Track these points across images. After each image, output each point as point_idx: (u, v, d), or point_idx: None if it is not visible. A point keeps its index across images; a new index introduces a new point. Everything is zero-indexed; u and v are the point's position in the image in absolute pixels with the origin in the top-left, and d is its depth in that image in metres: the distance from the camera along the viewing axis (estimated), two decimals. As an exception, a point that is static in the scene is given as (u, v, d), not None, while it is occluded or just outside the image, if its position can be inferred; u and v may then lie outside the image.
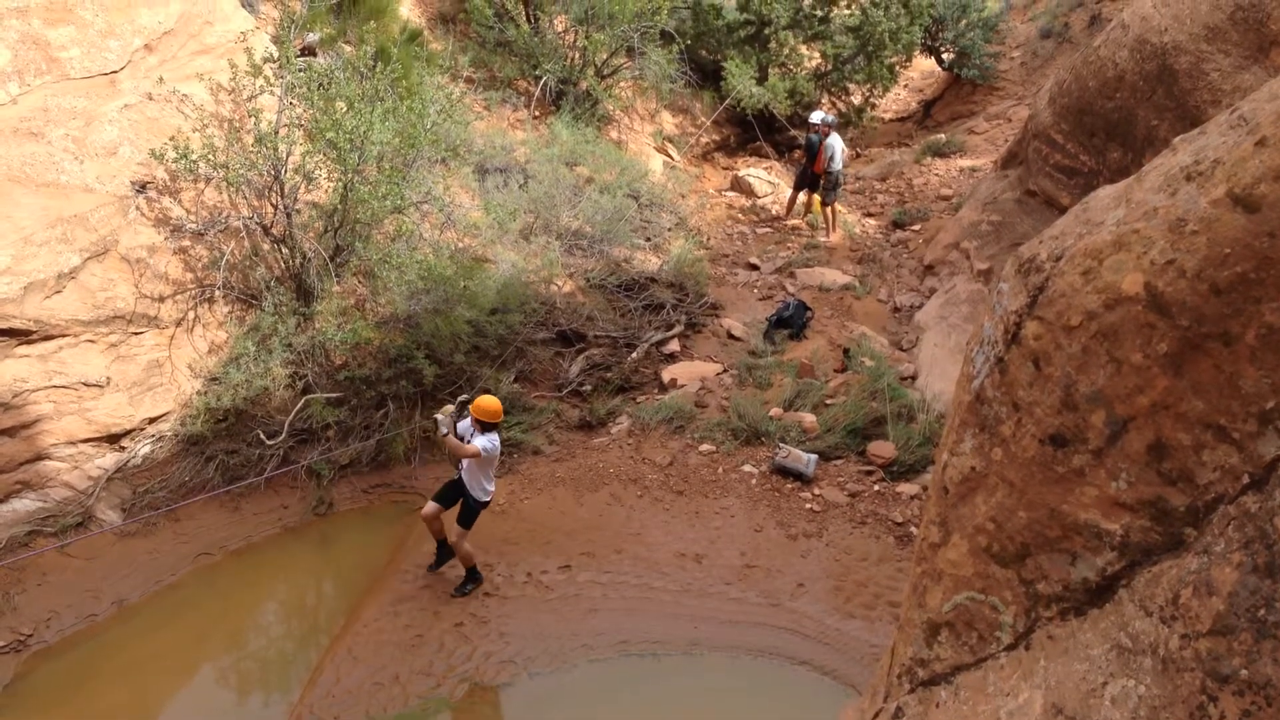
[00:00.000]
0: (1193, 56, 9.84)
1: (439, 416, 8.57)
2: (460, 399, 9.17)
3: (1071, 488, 2.74)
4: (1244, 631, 2.23)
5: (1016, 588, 2.93)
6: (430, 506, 9.02)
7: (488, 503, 9.00)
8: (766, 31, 19.65)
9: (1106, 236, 2.64)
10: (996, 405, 2.95)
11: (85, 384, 9.54)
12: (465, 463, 8.76)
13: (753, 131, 20.51)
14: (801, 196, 17.30)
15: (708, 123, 20.01)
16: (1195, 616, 2.34)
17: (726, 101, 19.16)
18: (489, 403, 8.61)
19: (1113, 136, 11.26)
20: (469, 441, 8.54)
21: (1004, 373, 2.90)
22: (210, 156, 10.39)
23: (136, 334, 10.07)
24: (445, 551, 9.32)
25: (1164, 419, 2.53)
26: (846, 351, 12.47)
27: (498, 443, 8.69)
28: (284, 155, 10.74)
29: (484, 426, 8.57)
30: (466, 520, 8.91)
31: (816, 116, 16.67)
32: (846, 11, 20.54)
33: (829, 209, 16.49)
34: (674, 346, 13.09)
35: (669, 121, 20.07)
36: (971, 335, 3.17)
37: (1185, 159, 2.57)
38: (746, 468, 10.55)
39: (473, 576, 9.12)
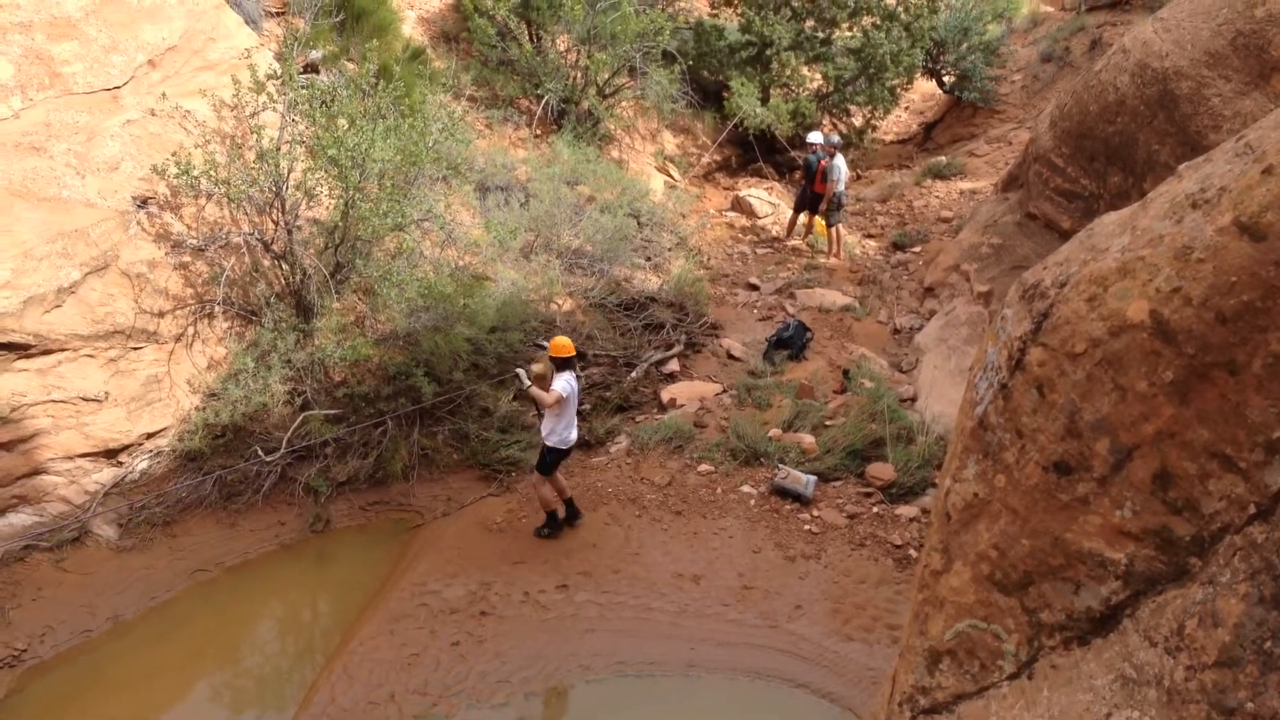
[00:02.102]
0: (1194, 82, 9.87)
1: (520, 371, 9.38)
2: (533, 363, 9.75)
3: (1075, 516, 2.73)
4: (1250, 664, 2.21)
5: (1019, 616, 2.91)
6: (536, 476, 9.81)
7: (565, 450, 9.57)
8: (768, 53, 19.70)
9: (1111, 263, 2.63)
10: (1000, 431, 2.93)
11: (84, 399, 9.52)
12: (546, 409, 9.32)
13: (753, 152, 20.55)
14: (802, 217, 17.33)
15: (711, 144, 20.05)
16: (1201, 648, 2.33)
17: (732, 121, 19.20)
18: (558, 339, 9.25)
19: (1113, 161, 11.28)
20: (550, 387, 9.16)
21: (1008, 399, 2.89)
22: (212, 172, 10.39)
23: (136, 349, 10.05)
24: (573, 509, 10.04)
25: (1169, 447, 2.52)
26: (846, 373, 12.46)
27: (574, 383, 9.26)
28: (285, 172, 10.74)
29: (559, 365, 9.17)
30: (542, 465, 9.61)
31: (815, 137, 16.70)
32: (848, 34, 20.62)
33: (834, 230, 16.51)
34: (673, 366, 13.07)
35: (670, 141, 20.11)
36: (974, 361, 3.16)
37: (1191, 186, 2.57)
38: (745, 488, 10.52)
39: (550, 522, 9.82)
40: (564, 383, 9.15)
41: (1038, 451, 2.80)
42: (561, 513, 9.96)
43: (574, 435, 9.60)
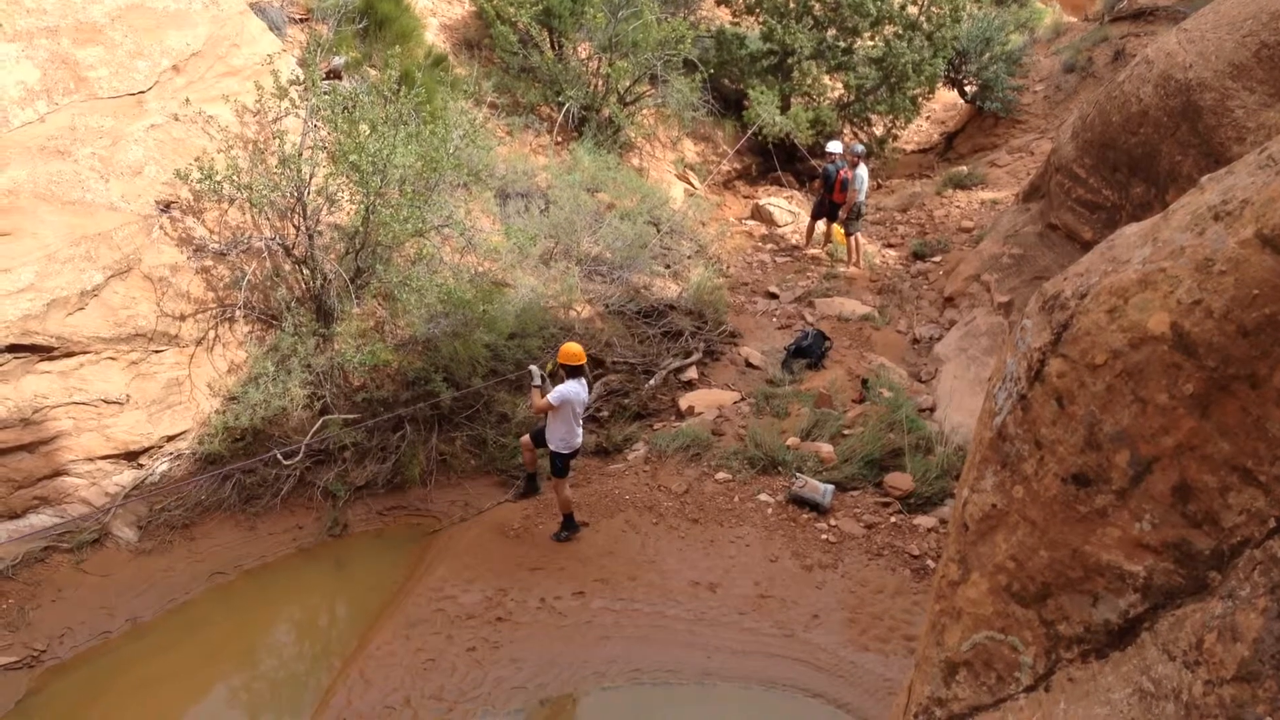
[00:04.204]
0: (1217, 93, 9.81)
1: (533, 368, 9.77)
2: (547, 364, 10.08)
3: (1094, 528, 2.71)
4: (1269, 678, 2.20)
5: (1037, 628, 2.90)
6: (525, 438, 10.26)
7: (568, 455, 9.73)
8: (790, 61, 19.71)
9: (1133, 275, 2.62)
10: (1018, 443, 2.92)
11: (105, 401, 9.58)
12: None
13: (773, 160, 20.55)
14: (820, 226, 17.30)
15: (731, 152, 20.05)
16: (1219, 662, 2.31)
17: (751, 129, 19.20)
18: (569, 346, 9.43)
19: (1136, 172, 11.23)
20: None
21: (1026, 410, 2.88)
22: (234, 177, 10.46)
23: (157, 352, 10.11)
24: (531, 484, 10.57)
25: (1189, 460, 2.50)
26: (865, 382, 12.43)
27: (573, 390, 9.39)
28: (307, 177, 10.80)
29: (567, 371, 9.37)
30: (554, 469, 9.83)
31: (835, 146, 16.68)
32: (870, 43, 20.59)
33: (853, 239, 16.49)
34: (692, 374, 13.08)
35: (691, 149, 20.12)
36: (994, 371, 3.15)
37: (1213, 198, 2.56)
38: (762, 497, 10.51)
39: (567, 525, 9.93)
40: (565, 387, 9.34)
41: (1056, 463, 2.79)
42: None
43: (578, 440, 9.75)
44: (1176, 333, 2.47)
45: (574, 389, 9.37)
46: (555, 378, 9.61)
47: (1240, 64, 9.66)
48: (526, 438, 10.22)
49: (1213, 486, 2.47)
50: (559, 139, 17.37)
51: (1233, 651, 2.28)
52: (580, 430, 9.76)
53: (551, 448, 9.67)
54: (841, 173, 16.08)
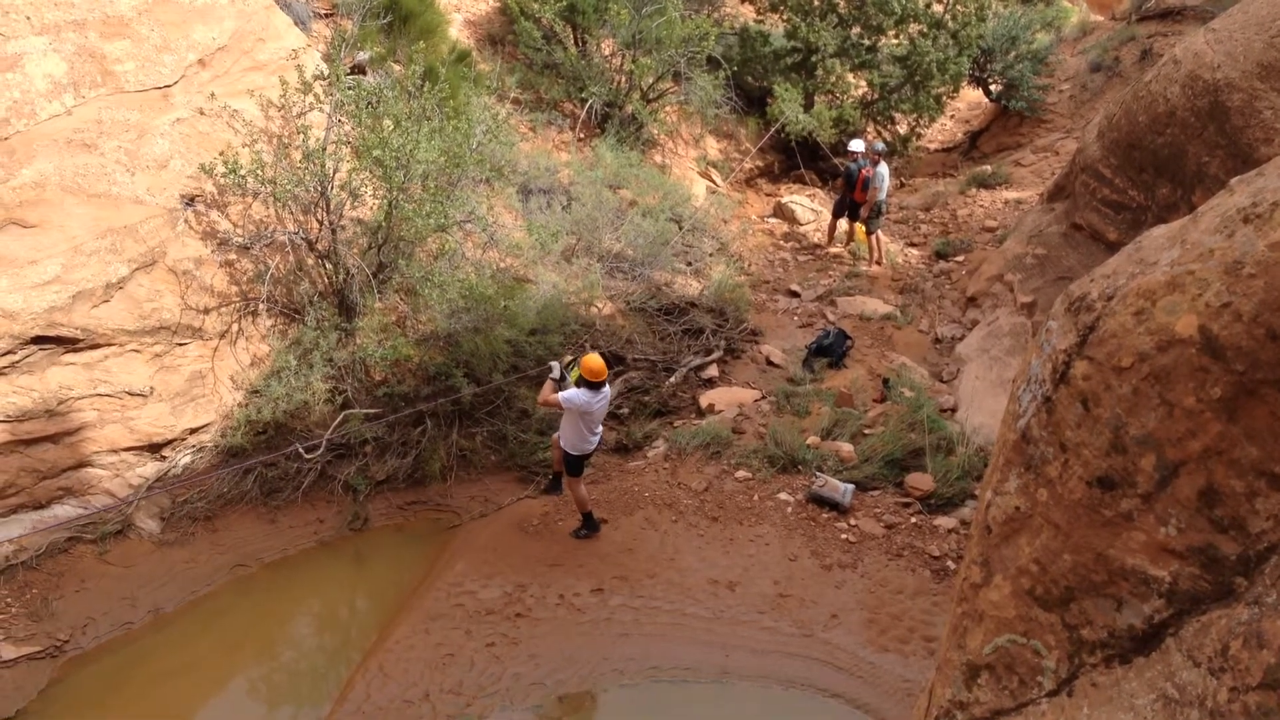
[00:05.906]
0: (1245, 94, 9.73)
1: (553, 363, 9.78)
2: (567, 359, 10.22)
3: (1119, 532, 2.69)
4: (1296, 687, 2.18)
5: (1060, 632, 2.88)
6: (555, 435, 10.12)
7: (577, 457, 9.72)
8: (813, 59, 19.63)
9: (1160, 277, 2.59)
10: (1043, 445, 2.90)
11: (129, 393, 9.64)
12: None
13: (796, 158, 20.49)
14: (842, 224, 17.25)
15: (754, 149, 20.00)
16: (1245, 669, 2.29)
17: (774, 126, 19.15)
18: (590, 359, 9.40)
19: (1162, 172, 11.15)
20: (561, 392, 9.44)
21: (1051, 412, 2.86)
22: (258, 172, 10.50)
23: (181, 345, 10.17)
24: (555, 484, 10.60)
25: (1216, 465, 2.48)
26: (886, 381, 12.39)
27: (582, 399, 9.31)
28: (331, 172, 10.83)
29: (584, 382, 9.38)
30: (566, 467, 9.84)
31: (857, 145, 16.60)
32: (894, 41, 20.49)
33: (874, 238, 16.42)
34: (712, 372, 13.05)
35: (713, 147, 20.08)
36: (1018, 373, 3.13)
37: (1243, 200, 2.53)
38: (782, 496, 10.49)
39: (587, 523, 10.00)
40: (573, 392, 9.34)
41: (1081, 466, 2.77)
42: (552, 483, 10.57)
43: (589, 446, 9.72)
44: (1204, 336, 2.45)
45: (583, 398, 9.30)
46: (566, 380, 9.64)
47: (1269, 64, 9.57)
48: (556, 435, 10.14)
49: (1240, 491, 2.45)
50: (581, 135, 17.37)
51: (1259, 658, 2.26)
52: (593, 439, 9.68)
53: (562, 445, 9.68)
54: (863, 171, 16.01)
